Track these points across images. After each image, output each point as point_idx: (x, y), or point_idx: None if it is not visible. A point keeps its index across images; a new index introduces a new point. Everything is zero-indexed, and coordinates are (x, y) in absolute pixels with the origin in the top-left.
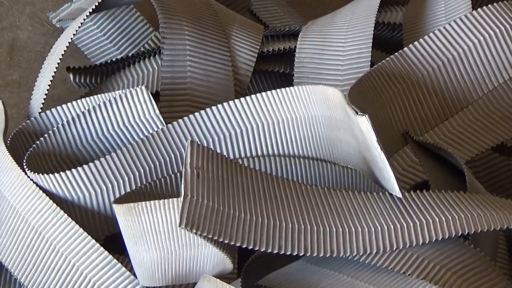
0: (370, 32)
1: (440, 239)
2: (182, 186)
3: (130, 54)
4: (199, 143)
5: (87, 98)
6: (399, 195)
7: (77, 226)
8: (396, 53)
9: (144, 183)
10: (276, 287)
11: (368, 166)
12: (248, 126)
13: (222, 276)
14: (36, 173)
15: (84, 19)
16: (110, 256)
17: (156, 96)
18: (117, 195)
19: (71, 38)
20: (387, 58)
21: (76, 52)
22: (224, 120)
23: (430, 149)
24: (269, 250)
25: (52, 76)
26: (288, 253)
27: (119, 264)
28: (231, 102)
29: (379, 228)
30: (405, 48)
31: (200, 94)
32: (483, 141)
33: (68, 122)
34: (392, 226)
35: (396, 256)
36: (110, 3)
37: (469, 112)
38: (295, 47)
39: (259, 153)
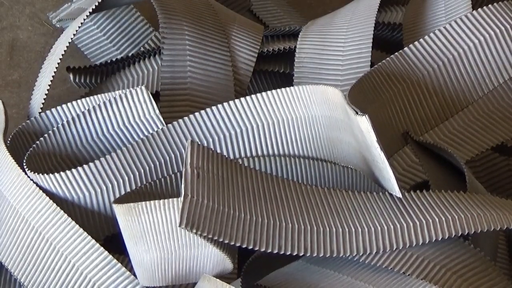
0: (370, 32)
1: (440, 239)
2: (182, 186)
3: (130, 54)
4: (199, 143)
5: (87, 98)
6: (399, 195)
7: (77, 226)
8: (396, 53)
9: (144, 183)
10: (276, 287)
11: (368, 166)
12: (248, 126)
13: (222, 276)
14: (36, 173)
15: (84, 19)
16: (110, 256)
17: (156, 96)
18: (117, 195)
19: (71, 38)
20: (387, 58)
21: (76, 52)
22: (224, 120)
23: (430, 149)
24: (269, 250)
25: (52, 76)
26: (288, 253)
27: (119, 264)
28: (231, 102)
29: (379, 228)
30: (405, 48)
31: (200, 94)
32: (483, 141)
33: (68, 122)
34: (392, 226)
35: (396, 256)
36: (110, 3)
37: (469, 112)
38: (295, 47)
39: (259, 153)
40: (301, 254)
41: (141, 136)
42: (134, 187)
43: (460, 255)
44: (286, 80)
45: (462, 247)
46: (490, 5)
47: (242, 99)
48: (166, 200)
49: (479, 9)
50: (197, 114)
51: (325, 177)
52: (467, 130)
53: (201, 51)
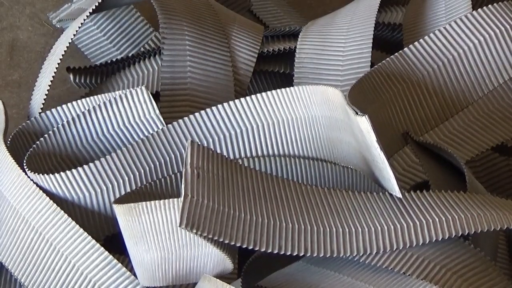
0: (370, 32)
1: (440, 239)
2: (182, 186)
3: (130, 54)
4: (199, 143)
5: (87, 98)
6: (399, 195)
7: (77, 226)
8: (396, 53)
9: (144, 183)
10: (276, 287)
11: (368, 166)
12: (248, 126)
13: (222, 276)
14: (36, 173)
15: (84, 20)
16: (110, 256)
17: (156, 96)
18: (117, 195)
19: (71, 39)
20: (387, 58)
21: (76, 52)
22: (224, 120)
23: (430, 149)
24: (269, 250)
25: (52, 77)
26: (288, 253)
27: (119, 264)
28: (231, 102)
29: (379, 228)
30: (405, 48)
31: (200, 94)
32: (483, 141)
33: (68, 122)
34: (392, 226)
35: (396, 256)
36: (110, 3)
37: (469, 112)
38: (295, 47)
39: (259, 153)
40: (301, 254)
41: (141, 136)
42: (134, 187)
43: (460, 255)
44: (286, 80)
45: (462, 247)
46: (490, 5)
47: (242, 99)
48: (166, 200)
49: (479, 9)
50: (197, 114)
51: (325, 177)
52: (467, 130)
53: (201, 51)
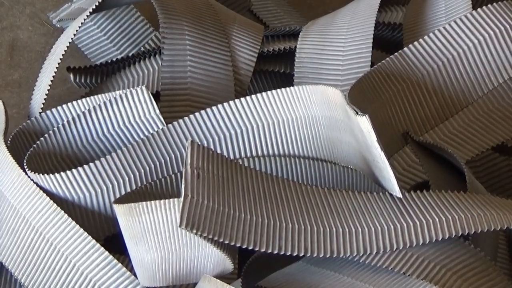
0: (370, 32)
1: (440, 239)
2: (182, 186)
3: (130, 54)
4: (199, 143)
5: (87, 98)
6: (399, 195)
7: (78, 226)
8: (396, 53)
9: (144, 183)
10: (276, 287)
11: (368, 166)
12: (248, 126)
13: (223, 277)
14: (37, 173)
15: (84, 19)
16: (111, 256)
17: (156, 96)
18: (117, 195)
19: (71, 38)
20: (387, 58)
21: (76, 52)
22: (224, 120)
23: (430, 149)
24: (269, 251)
25: (53, 76)
26: (288, 253)
27: (120, 264)
28: (231, 102)
29: (379, 228)
30: (405, 48)
31: (200, 94)
32: (483, 141)
33: (68, 122)
34: (392, 226)
35: (396, 256)
36: (110, 3)
37: (469, 112)
38: (295, 47)
39: (259, 153)
40: (301, 255)
41: (141, 136)
42: (134, 187)
43: (460, 255)
44: (286, 80)
45: (462, 247)
46: (490, 5)
47: (242, 99)
48: (166, 200)
49: (479, 9)
50: (197, 114)
51: (325, 177)
52: (467, 130)
53: (201, 51)
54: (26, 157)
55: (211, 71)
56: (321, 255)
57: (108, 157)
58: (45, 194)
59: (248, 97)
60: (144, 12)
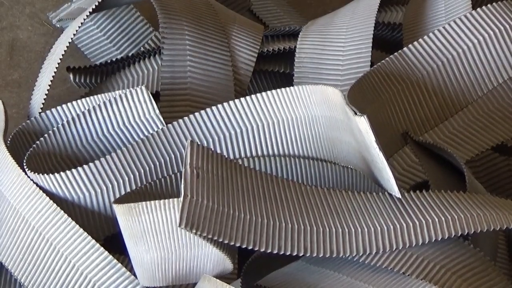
0: (370, 32)
1: (440, 239)
2: (182, 186)
3: (130, 54)
4: (199, 143)
5: (87, 98)
6: (399, 195)
7: (77, 226)
8: (396, 53)
9: (144, 183)
10: (275, 287)
11: (368, 166)
12: (248, 126)
13: (222, 276)
14: (36, 173)
15: (84, 19)
16: (110, 256)
17: (156, 96)
18: (117, 195)
19: (71, 38)
20: (387, 58)
21: (76, 52)
22: (224, 120)
23: (430, 149)
24: (269, 250)
25: (52, 76)
26: (288, 253)
27: (119, 264)
28: (231, 102)
29: (379, 228)
30: (405, 48)
31: (200, 94)
32: (483, 141)
33: (68, 122)
34: (392, 226)
35: (396, 256)
36: (110, 3)
37: (469, 112)
38: (295, 47)
39: (259, 153)
40: (301, 254)
41: (141, 136)
42: (134, 187)
43: (460, 255)
44: (286, 80)
45: (462, 247)
46: (490, 5)
47: (242, 99)
48: (166, 200)
49: (479, 9)
50: (197, 114)
51: (325, 177)
52: (467, 130)
53: (201, 51)
54: (25, 157)
55: (211, 71)
56: (321, 255)
57: (108, 157)
58: (44, 194)
59: (248, 97)
60: (144, 12)
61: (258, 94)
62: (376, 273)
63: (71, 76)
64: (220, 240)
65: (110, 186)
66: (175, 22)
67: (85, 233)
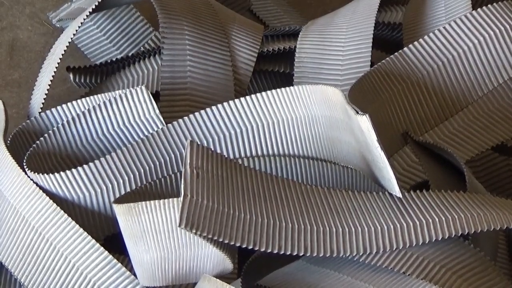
0: (370, 32)
1: (440, 239)
2: (182, 186)
3: (130, 54)
4: (199, 143)
5: (87, 98)
6: (399, 195)
7: (77, 226)
8: (396, 53)
9: (144, 183)
10: (276, 287)
11: (368, 166)
12: (248, 126)
13: (222, 276)
14: (36, 173)
15: (84, 19)
16: (110, 256)
17: (156, 96)
18: (117, 195)
19: (71, 38)
20: (387, 58)
21: (76, 52)
22: (224, 120)
23: (430, 149)
24: (269, 250)
25: (52, 76)
26: (288, 253)
27: (119, 264)
28: (231, 102)
29: (379, 228)
30: (405, 48)
31: (200, 94)
32: (483, 141)
33: (68, 122)
34: (392, 226)
35: (396, 256)
36: (110, 3)
37: (469, 112)
38: (295, 47)
39: (259, 153)
40: (301, 254)
41: (141, 136)
42: (134, 187)
43: (460, 255)
44: (286, 80)
45: (462, 247)
46: (490, 5)
47: (242, 99)
48: (166, 200)
49: (479, 9)
50: (197, 114)
51: (325, 177)
52: (467, 130)
53: (201, 51)
54: (25, 157)
55: (211, 71)
56: (321, 255)
57: (107, 157)
58: (44, 194)
59: (248, 97)
60: (144, 12)
61: (258, 94)
62: (377, 273)
63: (71, 76)
64: (220, 240)
65: (110, 186)
66: (175, 22)
67: (85, 233)
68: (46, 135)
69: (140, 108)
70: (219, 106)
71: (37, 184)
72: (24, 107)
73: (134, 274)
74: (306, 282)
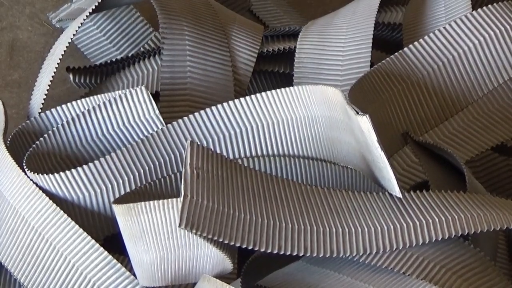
0: (370, 32)
1: (440, 239)
2: (182, 186)
3: (130, 54)
4: (199, 143)
5: (87, 98)
6: (399, 195)
7: (77, 226)
8: (396, 53)
9: (144, 183)
10: (275, 287)
11: (368, 166)
12: (248, 126)
13: (222, 276)
14: (36, 173)
15: (84, 19)
16: (110, 256)
17: (156, 96)
18: (117, 195)
19: (71, 38)
20: (387, 58)
21: (76, 52)
22: (224, 120)
23: (430, 149)
24: (269, 250)
25: (52, 76)
26: (288, 253)
27: (119, 264)
28: (231, 102)
29: (379, 228)
30: (405, 48)
31: (200, 94)
32: (483, 141)
33: (68, 122)
34: (392, 226)
35: (396, 256)
36: (110, 3)
37: (469, 112)
38: (295, 47)
39: (259, 153)
40: (301, 254)
41: (141, 136)
42: (134, 187)
43: (460, 255)
44: (286, 80)
45: (462, 247)
46: (490, 5)
47: (242, 99)
48: (166, 200)
49: (479, 9)
50: (197, 114)
51: (325, 177)
52: (467, 130)
53: (201, 51)
54: (25, 157)
55: (211, 71)
56: (321, 255)
57: (107, 157)
58: (44, 194)
59: (247, 97)
60: (144, 12)
61: (258, 94)
62: (376, 273)
63: (71, 76)
64: (220, 240)
65: (109, 186)
66: (175, 22)
67: (85, 233)
68: (46, 135)
69: (140, 108)
70: (219, 106)
71: (36, 185)
72: (24, 107)
73: (134, 274)
74: (306, 283)
